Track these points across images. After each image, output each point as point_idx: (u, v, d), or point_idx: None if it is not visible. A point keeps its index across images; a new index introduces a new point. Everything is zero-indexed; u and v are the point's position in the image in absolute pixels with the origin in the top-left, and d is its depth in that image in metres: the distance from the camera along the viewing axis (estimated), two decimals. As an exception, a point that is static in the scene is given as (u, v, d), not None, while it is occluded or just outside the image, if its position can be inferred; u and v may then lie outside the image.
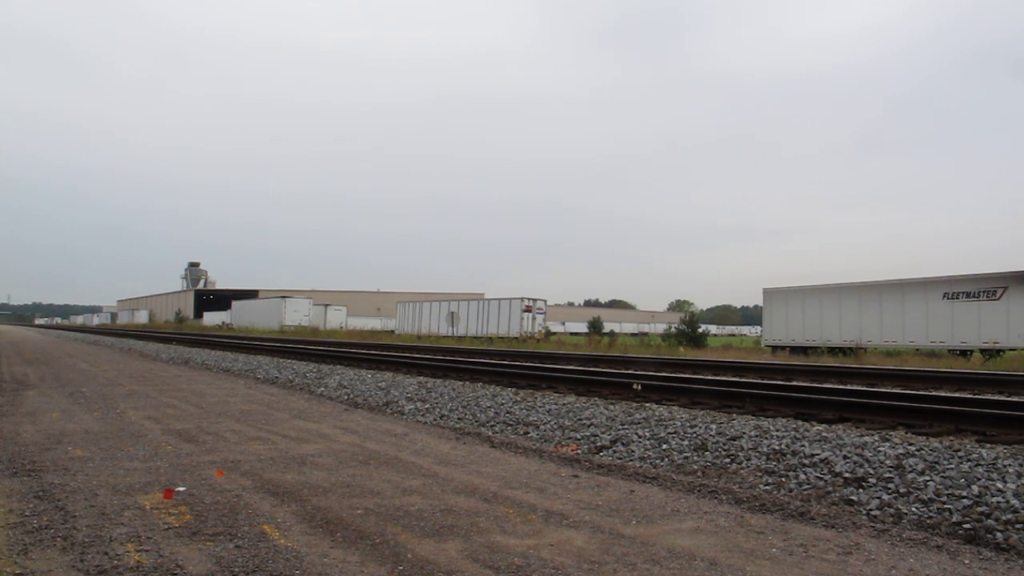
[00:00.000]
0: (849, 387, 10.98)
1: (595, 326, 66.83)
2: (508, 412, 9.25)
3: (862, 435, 6.58)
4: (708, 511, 4.78)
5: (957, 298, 26.78)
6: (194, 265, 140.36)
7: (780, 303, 32.92)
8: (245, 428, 8.07)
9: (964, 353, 26.30)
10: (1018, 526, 4.31)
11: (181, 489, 5.05)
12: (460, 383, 12.57)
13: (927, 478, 5.17)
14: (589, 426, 8.01)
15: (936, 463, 5.47)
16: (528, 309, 45.51)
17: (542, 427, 8.28)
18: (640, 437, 7.29)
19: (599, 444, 7.27)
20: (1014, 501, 4.59)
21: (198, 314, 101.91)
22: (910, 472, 5.33)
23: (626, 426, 7.80)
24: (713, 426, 7.36)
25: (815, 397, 8.69)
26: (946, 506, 4.70)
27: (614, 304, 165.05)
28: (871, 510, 4.85)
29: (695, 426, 7.44)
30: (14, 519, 4.30)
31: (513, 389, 11.51)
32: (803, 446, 6.26)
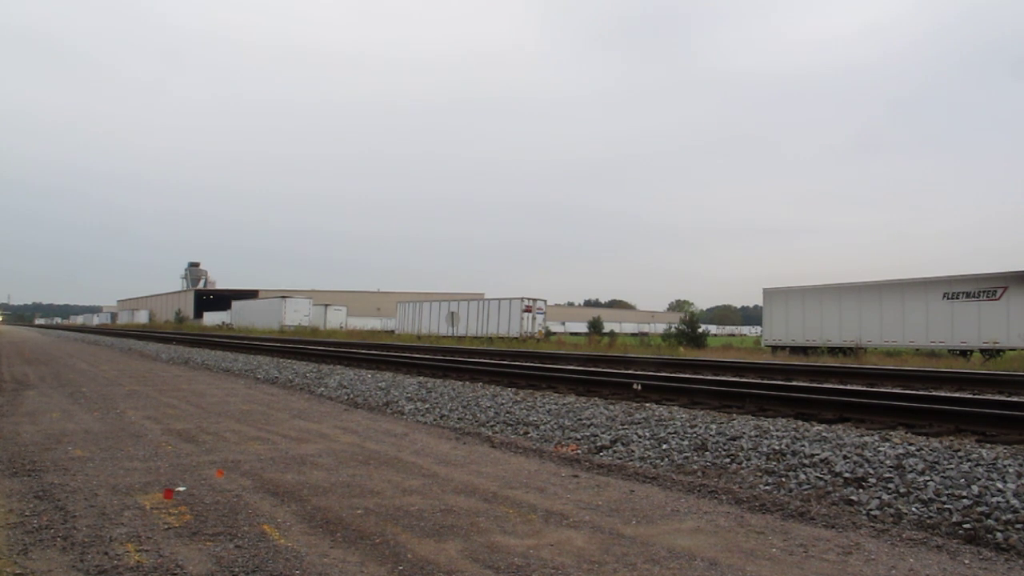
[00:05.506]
0: (849, 387, 10.98)
1: (595, 326, 66.81)
2: (508, 412, 9.25)
3: (862, 435, 6.58)
4: (708, 511, 4.78)
5: (957, 298, 26.77)
6: (194, 265, 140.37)
7: (780, 303, 32.91)
8: (245, 428, 8.07)
9: (964, 353, 26.29)
10: (1018, 526, 4.31)
11: (181, 489, 5.05)
12: (460, 383, 12.56)
13: (927, 478, 5.17)
14: (589, 426, 8.01)
15: (936, 463, 5.47)
16: (528, 309, 45.50)
17: (542, 427, 8.28)
18: (640, 437, 7.29)
19: (599, 444, 7.27)
20: (1014, 501, 4.59)
21: (198, 314, 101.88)
22: (910, 472, 5.33)
23: (626, 426, 7.80)
24: (713, 426, 7.36)
25: (815, 397, 8.69)
26: (946, 506, 4.70)
27: (614, 304, 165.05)
28: (871, 510, 4.85)
29: (695, 426, 7.44)
30: (14, 519, 4.30)
31: (513, 389, 11.51)
32: (803, 446, 6.26)
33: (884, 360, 23.46)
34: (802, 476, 5.59)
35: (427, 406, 10.22)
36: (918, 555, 3.95)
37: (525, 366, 15.63)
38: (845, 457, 5.81)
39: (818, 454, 5.97)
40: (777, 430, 6.99)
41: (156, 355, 24.32)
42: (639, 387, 10.57)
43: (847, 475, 5.44)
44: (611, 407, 8.95)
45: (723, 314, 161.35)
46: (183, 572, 3.46)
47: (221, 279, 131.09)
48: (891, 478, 5.27)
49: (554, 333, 60.24)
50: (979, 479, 5.05)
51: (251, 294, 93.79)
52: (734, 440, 6.71)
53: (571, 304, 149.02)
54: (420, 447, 7.01)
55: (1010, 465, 5.30)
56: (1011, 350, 24.92)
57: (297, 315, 65.70)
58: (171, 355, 23.81)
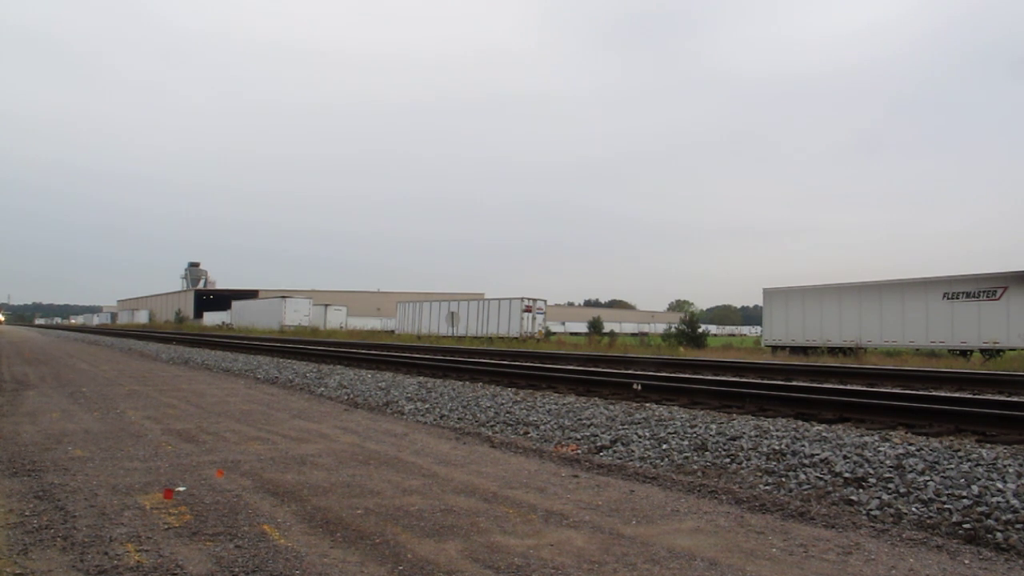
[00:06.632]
0: (849, 387, 10.98)
1: (595, 326, 66.84)
2: (508, 412, 9.25)
3: (862, 435, 6.58)
4: (708, 511, 4.78)
5: (957, 298, 26.78)
6: (194, 265, 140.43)
7: (780, 303, 32.92)
8: (245, 428, 8.07)
9: (964, 353, 26.29)
10: (1018, 526, 4.31)
11: (181, 489, 5.05)
12: (460, 383, 12.56)
13: (927, 478, 5.17)
14: (589, 426, 8.01)
15: (936, 463, 5.47)
16: (528, 309, 45.50)
17: (542, 427, 8.28)
18: (640, 437, 7.29)
19: (599, 444, 7.27)
20: (1014, 501, 4.59)
21: (198, 314, 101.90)
22: (910, 472, 5.33)
23: (626, 426, 7.80)
24: (713, 426, 7.36)
25: (815, 397, 8.69)
26: (946, 506, 4.70)
27: (614, 304, 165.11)
28: (871, 510, 4.85)
29: (695, 426, 7.44)
30: (14, 519, 4.30)
31: (513, 389, 11.51)
32: (803, 446, 6.26)
33: (884, 360, 23.46)
34: (802, 476, 5.59)
35: (427, 406, 10.22)
36: (918, 555, 3.95)
37: (525, 366, 15.63)
38: (845, 457, 5.81)
39: (818, 454, 5.97)
40: (777, 430, 6.99)
41: (156, 355, 24.32)
42: (639, 387, 10.57)
43: (847, 475, 5.44)
44: (611, 407, 8.95)
45: (723, 314, 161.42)
46: (183, 572, 3.46)
47: (221, 279, 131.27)
48: (891, 478, 5.27)
49: (554, 333, 60.23)
50: (979, 479, 5.05)
51: (251, 294, 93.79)
52: (734, 440, 6.71)
53: (571, 304, 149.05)
54: (420, 447, 7.00)
55: (1010, 465, 5.30)
56: (1011, 350, 24.92)
57: (297, 315, 65.71)
58: (171, 355, 23.81)
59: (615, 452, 6.98)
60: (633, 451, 6.90)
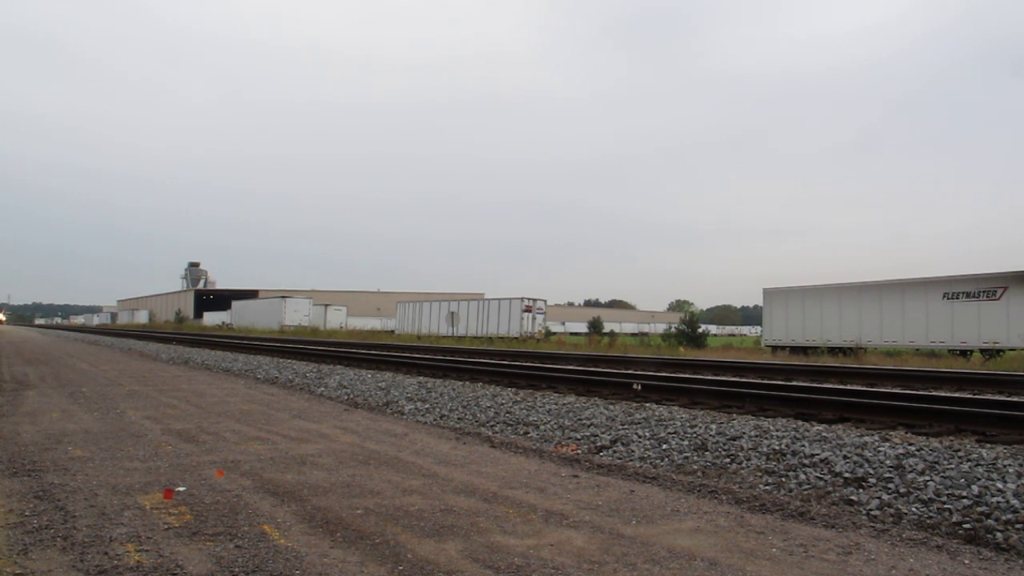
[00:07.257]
0: (849, 387, 10.98)
1: (595, 326, 66.86)
2: (508, 412, 9.25)
3: (862, 435, 6.58)
4: (708, 511, 4.78)
5: (957, 298, 26.77)
6: (194, 265, 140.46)
7: (780, 303, 32.91)
8: (245, 428, 8.07)
9: (964, 353, 26.28)
10: (1018, 526, 4.31)
11: (181, 489, 5.05)
12: (460, 383, 12.56)
13: (927, 478, 5.17)
14: (589, 426, 8.01)
15: (936, 463, 5.47)
16: (528, 309, 45.50)
17: (542, 427, 8.28)
18: (640, 437, 7.29)
19: (599, 444, 7.27)
20: (1014, 501, 4.59)
21: (198, 314, 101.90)
22: (910, 472, 5.33)
23: (626, 426, 7.80)
24: (713, 426, 7.36)
25: (815, 397, 8.69)
26: (946, 506, 4.70)
27: (614, 304, 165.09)
28: (871, 510, 4.85)
29: (695, 426, 7.44)
30: (14, 519, 4.30)
31: (513, 389, 11.50)
32: (803, 446, 6.26)
33: (884, 360, 23.46)
34: (802, 476, 5.59)
35: (427, 406, 10.22)
36: (918, 555, 3.95)
37: (525, 366, 15.63)
38: (845, 457, 5.81)
39: (818, 454, 5.97)
40: (777, 430, 6.99)
41: (156, 355, 24.32)
42: (639, 387, 10.56)
43: (847, 475, 5.44)
44: (611, 407, 8.95)
45: (723, 314, 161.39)
46: (183, 572, 3.46)
47: (221, 279, 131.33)
48: (891, 478, 5.27)
49: (554, 333, 60.23)
50: (979, 479, 5.05)
51: (251, 294, 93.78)
52: (734, 440, 6.71)
53: (571, 304, 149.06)
54: (420, 447, 7.01)
55: (1010, 465, 5.30)
56: (1011, 350, 24.92)
57: (297, 315, 65.70)
58: (171, 355, 23.81)
59: (615, 452, 6.98)
60: (633, 451, 6.90)
